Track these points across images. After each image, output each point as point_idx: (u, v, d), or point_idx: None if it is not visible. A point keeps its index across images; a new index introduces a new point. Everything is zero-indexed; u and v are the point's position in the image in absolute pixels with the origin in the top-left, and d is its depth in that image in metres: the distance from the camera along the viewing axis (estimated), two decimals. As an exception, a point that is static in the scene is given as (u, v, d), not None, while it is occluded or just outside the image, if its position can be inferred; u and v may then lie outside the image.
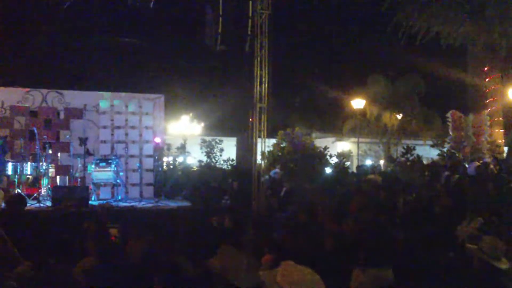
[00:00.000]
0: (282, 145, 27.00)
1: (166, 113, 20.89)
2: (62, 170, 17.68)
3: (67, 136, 17.57)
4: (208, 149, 37.27)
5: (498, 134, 26.90)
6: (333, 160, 26.69)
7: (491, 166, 19.25)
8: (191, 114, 41.94)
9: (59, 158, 17.74)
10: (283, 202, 14.41)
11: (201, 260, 5.62)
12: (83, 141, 16.57)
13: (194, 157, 34.90)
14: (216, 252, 5.77)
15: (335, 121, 43.79)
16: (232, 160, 28.30)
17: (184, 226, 9.06)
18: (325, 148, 26.98)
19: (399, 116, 40.66)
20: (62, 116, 18.25)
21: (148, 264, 5.64)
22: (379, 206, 11.13)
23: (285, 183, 16.72)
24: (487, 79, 27.45)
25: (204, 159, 34.23)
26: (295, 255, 4.75)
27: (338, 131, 43.22)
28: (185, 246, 6.57)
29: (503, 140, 27.05)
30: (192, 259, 5.67)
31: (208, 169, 25.20)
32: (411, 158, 23.79)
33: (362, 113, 37.50)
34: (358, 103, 33.81)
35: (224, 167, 30.06)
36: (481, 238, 6.06)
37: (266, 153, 16.70)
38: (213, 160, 35.49)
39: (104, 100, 18.54)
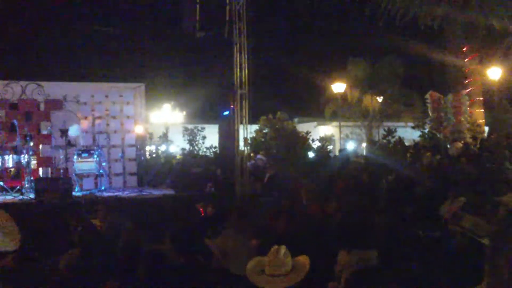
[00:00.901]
0: (264, 131, 27.02)
1: (147, 101, 20.82)
2: (44, 162, 17.56)
3: (48, 128, 17.46)
4: (191, 137, 37.21)
5: (478, 114, 27.08)
6: (316, 145, 26.72)
7: (472, 146, 19.40)
8: (172, 102, 41.81)
9: (40, 150, 17.63)
10: (266, 187, 14.45)
11: (186, 246, 5.62)
12: (64, 132, 16.48)
13: (177, 145, 34.83)
14: (201, 237, 5.78)
15: (317, 105, 43.78)
16: (215, 147, 28.29)
17: (168, 214, 9.07)
18: (307, 132, 27.01)
19: (380, 99, 40.78)
20: (42, 107, 18.12)
21: (132, 253, 5.64)
22: (362, 188, 11.22)
23: (268, 169, 16.75)
24: (466, 59, 27.57)
25: (187, 147, 34.20)
26: (280, 239, 4.77)
27: (319, 116, 43.26)
28: (169, 234, 6.58)
29: (484, 120, 27.24)
30: (176, 246, 5.68)
31: (191, 157, 25.18)
32: (392, 140, 23.91)
33: (343, 96, 37.52)
34: (338, 87, 33.81)
35: (207, 154, 30.04)
36: (463, 217, 6.12)
37: (249, 139, 16.71)
38: (196, 147, 35.45)
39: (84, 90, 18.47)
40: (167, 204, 12.88)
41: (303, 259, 4.57)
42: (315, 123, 42.49)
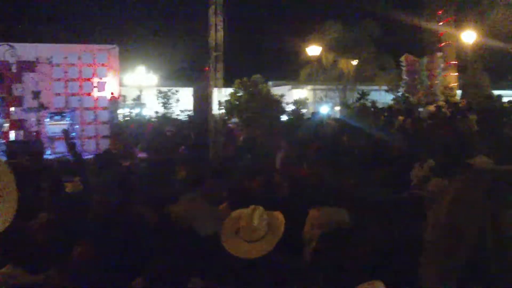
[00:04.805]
0: (238, 94, 26.92)
1: (121, 64, 20.66)
2: (16, 124, 17.37)
3: (20, 90, 17.25)
4: (165, 100, 37.07)
5: (452, 77, 27.28)
6: (290, 108, 26.77)
7: (444, 109, 19.57)
8: (146, 64, 41.52)
9: (12, 112, 17.44)
10: (240, 150, 14.47)
11: (160, 208, 5.64)
12: (36, 94, 16.32)
13: (150, 108, 34.69)
14: (177, 200, 5.78)
15: (291, 68, 43.73)
16: (189, 110, 28.20)
17: (142, 177, 9.07)
18: (282, 95, 27.03)
19: (355, 62, 40.78)
20: (14, 69, 17.88)
21: (108, 215, 5.65)
22: (335, 150, 11.30)
23: (241, 132, 16.76)
24: (441, 23, 27.68)
25: (161, 110, 34.07)
26: (253, 202, 4.79)
27: (294, 79, 43.24)
28: (143, 196, 6.60)
29: (457, 83, 27.45)
30: (151, 208, 5.70)
31: (165, 120, 25.11)
32: (365, 103, 23.99)
33: (318, 60, 37.52)
34: (313, 50, 33.79)
35: (181, 117, 29.96)
36: (431, 180, 6.20)
37: (223, 103, 16.67)
38: (170, 110, 35.33)
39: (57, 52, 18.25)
40: (140, 167, 12.85)
41: (277, 215, 4.36)
42: (289, 87, 42.47)
